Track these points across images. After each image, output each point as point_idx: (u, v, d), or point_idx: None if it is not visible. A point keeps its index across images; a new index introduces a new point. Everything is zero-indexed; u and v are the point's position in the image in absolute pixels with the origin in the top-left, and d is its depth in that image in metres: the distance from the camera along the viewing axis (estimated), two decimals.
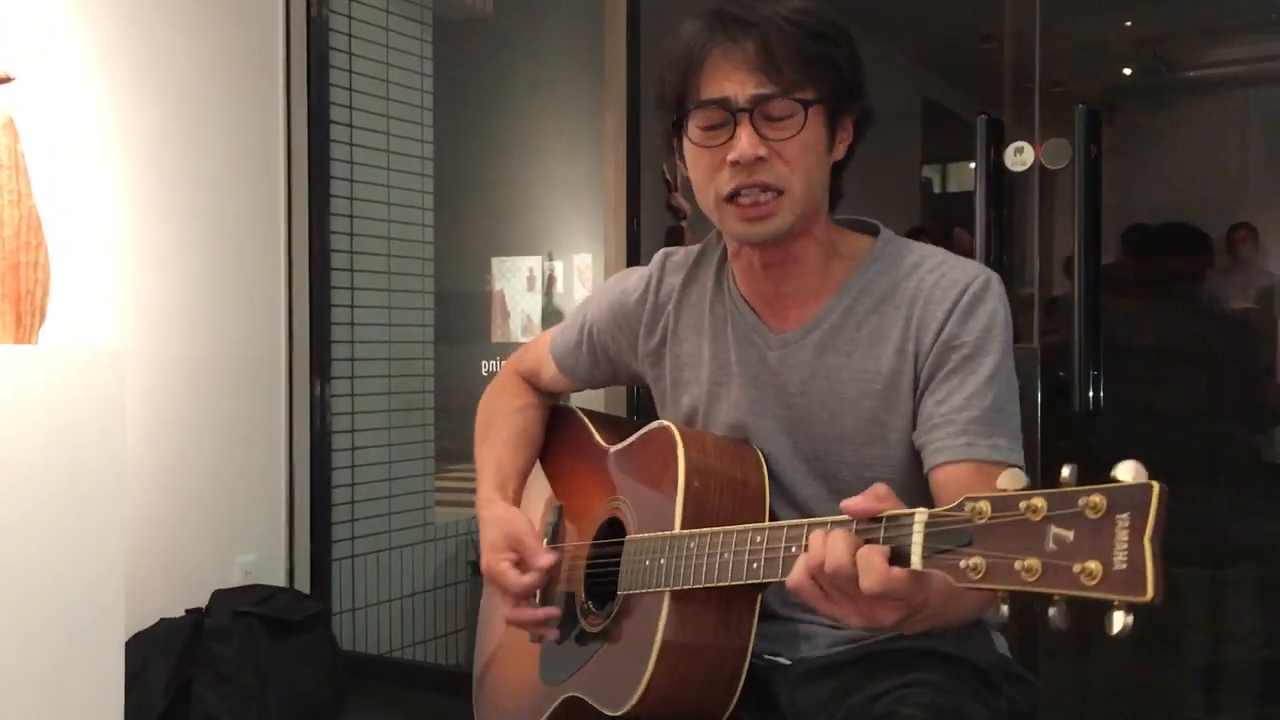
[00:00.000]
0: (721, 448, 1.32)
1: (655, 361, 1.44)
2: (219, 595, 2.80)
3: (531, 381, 1.61)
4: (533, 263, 3.12)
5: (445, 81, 3.58)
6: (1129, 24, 4.04)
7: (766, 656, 1.31)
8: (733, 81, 1.22)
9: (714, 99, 1.23)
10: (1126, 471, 0.80)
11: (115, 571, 2.13)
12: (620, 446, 1.43)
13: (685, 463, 1.27)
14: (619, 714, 1.23)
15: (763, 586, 1.22)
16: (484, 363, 3.23)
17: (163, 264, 2.86)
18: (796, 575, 1.02)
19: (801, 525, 1.07)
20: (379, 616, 3.37)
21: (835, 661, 1.29)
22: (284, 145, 3.16)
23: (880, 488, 1.01)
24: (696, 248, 1.44)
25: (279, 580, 3.10)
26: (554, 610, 1.39)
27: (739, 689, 1.24)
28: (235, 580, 2.95)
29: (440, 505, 3.57)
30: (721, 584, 1.15)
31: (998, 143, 2.38)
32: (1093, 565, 0.80)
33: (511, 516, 1.43)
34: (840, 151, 1.30)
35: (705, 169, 1.27)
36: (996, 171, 2.38)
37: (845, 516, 1.00)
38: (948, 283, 1.27)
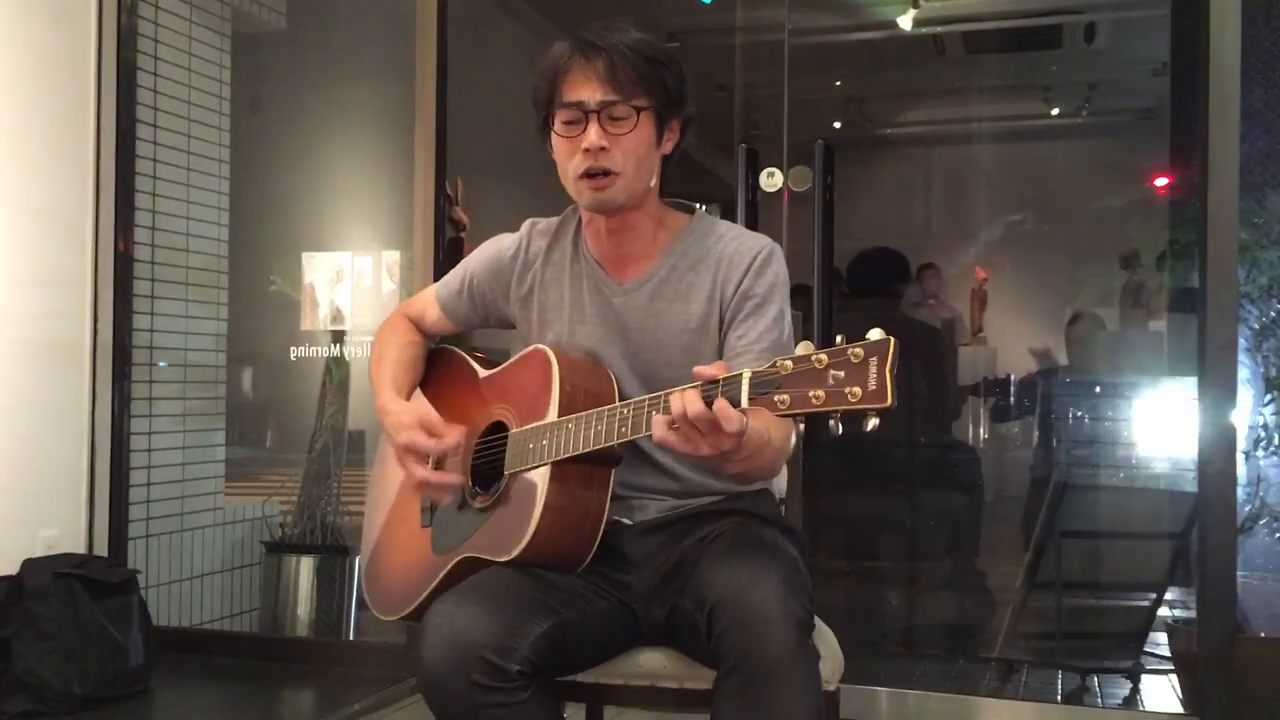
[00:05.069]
0: (582, 365, 1.74)
1: (524, 305, 1.84)
2: (31, 563, 2.91)
3: (416, 323, 1.97)
4: (341, 258, 3.40)
5: (244, 91, 3.82)
6: (839, 84, 4.77)
7: (613, 519, 1.72)
8: (586, 90, 1.64)
9: (573, 101, 1.66)
10: (875, 333, 1.30)
11: None
12: (498, 369, 1.82)
13: (559, 372, 1.67)
14: (509, 559, 1.61)
15: (617, 462, 1.64)
16: (293, 349, 3.48)
17: None
18: (659, 429, 1.44)
19: (658, 396, 1.49)
20: (174, 593, 3.53)
21: (664, 521, 1.74)
22: (93, 149, 3.33)
23: (720, 363, 1.45)
24: (558, 219, 1.85)
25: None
26: (459, 476, 1.72)
27: (597, 540, 1.65)
28: (39, 552, 3.05)
29: (230, 491, 3.75)
30: (597, 447, 1.55)
31: (754, 168, 2.92)
32: (856, 389, 1.27)
33: (416, 404, 1.77)
34: (668, 148, 1.75)
35: (565, 154, 1.70)
36: (751, 193, 2.92)
37: (689, 386, 1.43)
38: (745, 249, 1.74)
